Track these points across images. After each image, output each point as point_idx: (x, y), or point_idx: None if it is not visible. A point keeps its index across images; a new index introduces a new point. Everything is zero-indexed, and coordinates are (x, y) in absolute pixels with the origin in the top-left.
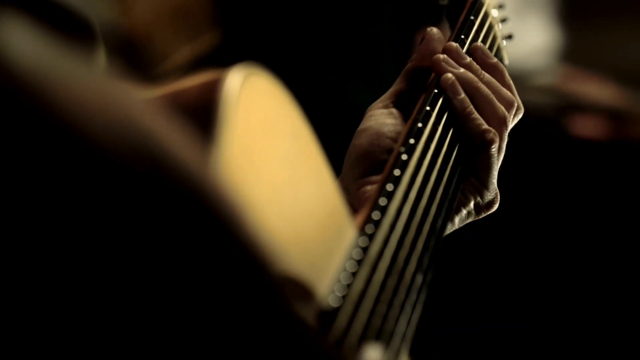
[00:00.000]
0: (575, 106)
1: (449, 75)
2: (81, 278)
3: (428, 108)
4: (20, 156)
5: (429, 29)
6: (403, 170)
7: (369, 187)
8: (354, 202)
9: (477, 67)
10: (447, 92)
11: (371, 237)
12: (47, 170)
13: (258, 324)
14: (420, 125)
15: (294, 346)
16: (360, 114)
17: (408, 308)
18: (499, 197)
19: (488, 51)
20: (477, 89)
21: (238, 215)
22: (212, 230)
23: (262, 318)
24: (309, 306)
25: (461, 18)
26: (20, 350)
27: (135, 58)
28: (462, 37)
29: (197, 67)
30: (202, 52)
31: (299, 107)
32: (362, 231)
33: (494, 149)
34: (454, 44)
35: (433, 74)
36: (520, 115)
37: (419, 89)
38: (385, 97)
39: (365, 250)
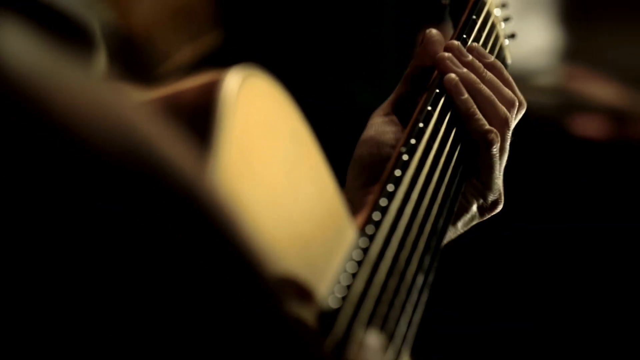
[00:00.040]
0: (577, 106)
1: (453, 75)
2: (74, 278)
3: (429, 108)
4: (15, 158)
5: (428, 30)
6: (404, 171)
7: (371, 197)
8: (357, 212)
9: (480, 65)
10: (450, 92)
11: (371, 238)
12: (40, 172)
13: (251, 328)
14: (421, 125)
15: (287, 348)
16: (361, 114)
17: (409, 309)
18: (502, 197)
19: (483, 50)
20: (479, 90)
21: (231, 218)
22: (205, 234)
23: (254, 322)
24: (309, 307)
25: (463, 18)
26: (19, 349)
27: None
28: (464, 36)
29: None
30: (203, 53)
31: (298, 108)
32: (362, 232)
33: (495, 149)
34: (456, 42)
35: (435, 75)
36: (523, 111)
37: (420, 92)
38: (386, 103)
39: (365, 251)
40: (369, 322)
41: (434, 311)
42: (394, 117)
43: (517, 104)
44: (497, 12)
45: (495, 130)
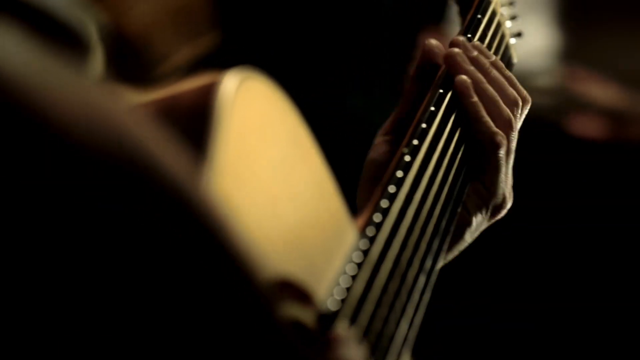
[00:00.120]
0: (575, 107)
1: (465, 77)
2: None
3: (433, 108)
4: (5, 160)
5: (426, 41)
6: (406, 172)
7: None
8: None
9: (485, 61)
10: (461, 94)
11: (372, 239)
12: (30, 173)
13: (241, 332)
14: (424, 126)
15: (277, 354)
16: (356, 119)
17: (410, 311)
18: (508, 201)
19: (485, 49)
20: (484, 90)
21: (223, 222)
22: (195, 238)
23: (244, 326)
24: (307, 310)
25: (468, 17)
26: (19, 349)
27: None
28: (469, 35)
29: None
30: (201, 54)
31: (297, 110)
32: (363, 234)
33: (502, 152)
34: (461, 38)
35: (438, 75)
36: (528, 107)
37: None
38: (388, 122)
39: (365, 253)
40: (369, 324)
41: (434, 311)
42: (391, 137)
43: (521, 101)
44: (503, 11)
45: (501, 133)
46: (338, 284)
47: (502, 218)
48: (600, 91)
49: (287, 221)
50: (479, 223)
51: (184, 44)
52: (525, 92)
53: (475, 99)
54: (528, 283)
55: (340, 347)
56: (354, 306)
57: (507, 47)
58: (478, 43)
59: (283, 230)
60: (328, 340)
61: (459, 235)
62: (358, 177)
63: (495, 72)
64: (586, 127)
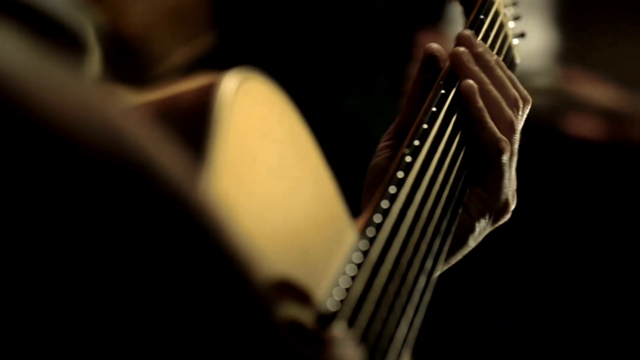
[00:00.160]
0: (573, 107)
1: (470, 82)
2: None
3: (434, 109)
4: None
5: (428, 44)
6: (407, 173)
7: (373, 199)
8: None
9: (490, 58)
10: (467, 98)
11: (372, 240)
12: (24, 172)
13: (237, 334)
14: (425, 126)
15: (273, 355)
16: (354, 119)
17: (410, 311)
18: (511, 205)
19: (487, 48)
20: (488, 92)
21: (220, 222)
22: (192, 238)
23: (241, 328)
24: (306, 310)
25: (471, 17)
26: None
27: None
28: None
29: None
30: (198, 55)
31: (297, 110)
32: (363, 234)
33: (505, 158)
34: (468, 31)
35: (441, 75)
36: (529, 107)
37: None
38: (392, 127)
39: (365, 253)
40: (369, 325)
41: (434, 310)
42: (395, 142)
43: (522, 102)
44: (506, 12)
45: (505, 138)
46: (337, 285)
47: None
48: (597, 92)
49: (286, 221)
50: (483, 228)
51: (181, 44)
52: (526, 92)
53: (481, 104)
54: (526, 283)
55: (336, 347)
56: (353, 307)
57: (510, 48)
58: (481, 43)
59: (282, 231)
60: (324, 340)
61: (462, 241)
62: (357, 178)
63: (499, 71)
64: (583, 127)
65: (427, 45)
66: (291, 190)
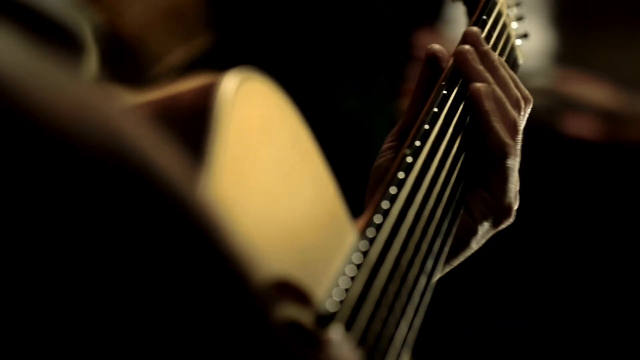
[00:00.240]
0: (569, 107)
1: (479, 85)
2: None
3: (436, 110)
4: None
5: (429, 45)
6: (407, 173)
7: (374, 199)
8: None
9: (494, 57)
10: (475, 101)
11: (372, 241)
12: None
13: (235, 334)
14: (427, 127)
15: (270, 354)
16: (352, 120)
17: (410, 312)
18: (513, 207)
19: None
20: (492, 92)
21: (217, 223)
22: (189, 239)
23: (238, 329)
24: (306, 311)
25: (474, 17)
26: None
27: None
28: None
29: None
30: (195, 55)
31: (298, 111)
32: (363, 235)
33: (511, 162)
34: (475, 28)
35: (443, 75)
36: (530, 106)
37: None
38: (395, 128)
39: (365, 254)
40: (368, 325)
41: (433, 311)
42: (398, 143)
43: (524, 102)
44: (509, 12)
45: (511, 142)
46: (337, 285)
47: None
48: (594, 92)
49: (286, 221)
50: (486, 230)
51: (179, 44)
52: (527, 92)
53: (488, 107)
54: (524, 283)
55: (333, 348)
56: (352, 307)
57: (512, 48)
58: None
59: (282, 231)
60: (321, 341)
61: (464, 243)
62: (357, 178)
63: (502, 71)
64: (580, 127)
65: (429, 46)
66: (291, 190)
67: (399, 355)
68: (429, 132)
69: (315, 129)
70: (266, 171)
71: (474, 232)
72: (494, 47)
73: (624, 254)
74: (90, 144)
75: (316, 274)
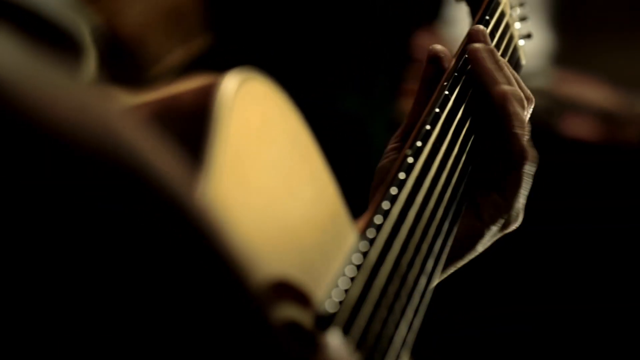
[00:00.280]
0: (568, 108)
1: (506, 87)
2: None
3: (437, 110)
4: None
5: (432, 46)
6: (408, 174)
7: (374, 200)
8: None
9: (499, 58)
10: (501, 105)
11: (372, 241)
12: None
13: (233, 335)
14: (428, 127)
15: (268, 356)
16: (351, 121)
17: (410, 313)
18: (521, 213)
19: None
20: (517, 95)
21: (214, 225)
22: (186, 241)
23: (237, 330)
24: (305, 311)
25: (477, 18)
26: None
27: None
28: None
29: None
30: (195, 55)
31: (298, 111)
32: (363, 235)
33: (529, 167)
34: (481, 27)
35: (445, 76)
36: (532, 106)
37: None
38: (398, 132)
39: (365, 255)
40: (367, 326)
41: (432, 313)
42: (401, 145)
43: (526, 101)
44: (513, 13)
45: (532, 149)
46: (336, 286)
47: None
48: (592, 93)
49: (286, 222)
50: (493, 234)
51: (178, 45)
52: (529, 92)
53: (512, 111)
54: (522, 284)
55: (331, 350)
56: (352, 308)
57: (515, 49)
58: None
59: (282, 231)
60: (319, 343)
61: (470, 246)
62: (357, 178)
63: (507, 71)
64: (578, 128)
65: (430, 46)
66: (291, 191)
67: (398, 355)
68: (430, 132)
69: (315, 129)
70: (266, 171)
71: (481, 235)
72: (497, 47)
73: (622, 255)
74: (87, 146)
75: (316, 275)
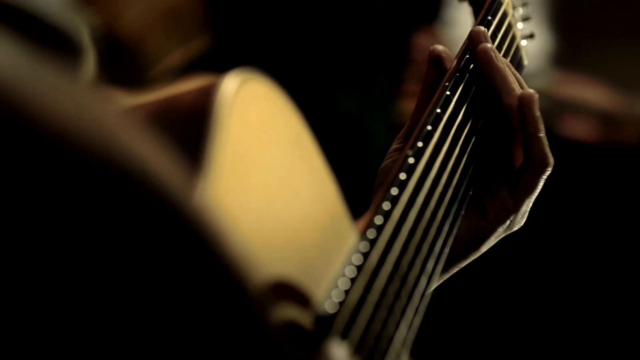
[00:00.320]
0: (567, 109)
1: (532, 91)
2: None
3: (439, 111)
4: None
5: (433, 47)
6: (410, 174)
7: (375, 200)
8: None
9: (502, 58)
10: (527, 108)
11: (373, 242)
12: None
13: (231, 337)
14: (429, 128)
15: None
16: (350, 121)
17: (410, 313)
18: (525, 217)
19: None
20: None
21: (212, 227)
22: (184, 243)
23: (235, 332)
24: (305, 312)
25: (479, 19)
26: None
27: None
28: None
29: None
30: (194, 56)
31: (298, 112)
32: (363, 236)
33: (547, 172)
34: (482, 28)
35: (446, 77)
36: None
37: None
38: (401, 133)
39: (365, 255)
40: (367, 327)
41: (432, 314)
42: (403, 145)
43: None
44: (515, 13)
45: (551, 156)
46: (336, 287)
47: None
48: (591, 94)
49: (285, 222)
50: (498, 235)
51: (177, 46)
52: (530, 90)
53: (537, 115)
54: (522, 285)
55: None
56: (352, 309)
57: (517, 49)
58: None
59: (281, 232)
60: (318, 347)
61: (475, 246)
62: (357, 179)
63: (513, 70)
64: (577, 129)
65: (432, 47)
66: (291, 191)
67: (398, 355)
68: (431, 133)
69: (315, 129)
70: (266, 172)
71: (487, 236)
72: (499, 48)
73: (622, 256)
74: (84, 148)
75: (316, 275)
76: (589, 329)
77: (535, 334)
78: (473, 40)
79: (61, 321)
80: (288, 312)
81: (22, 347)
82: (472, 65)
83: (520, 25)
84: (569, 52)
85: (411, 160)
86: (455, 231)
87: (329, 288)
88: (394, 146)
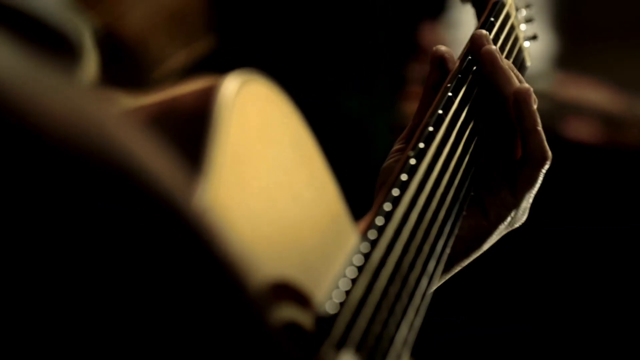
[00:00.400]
0: (570, 111)
1: (527, 86)
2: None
3: (441, 112)
4: None
5: (436, 47)
6: (411, 176)
7: (376, 201)
8: None
9: (504, 59)
10: (523, 103)
11: (374, 243)
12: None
13: (230, 338)
14: (431, 129)
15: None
16: (351, 122)
17: (411, 313)
18: (526, 213)
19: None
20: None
21: (211, 229)
22: (182, 245)
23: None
24: (306, 312)
25: (481, 20)
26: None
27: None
28: None
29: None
30: (197, 58)
31: (299, 113)
32: (364, 237)
33: (546, 167)
34: (484, 31)
35: (448, 77)
36: (536, 105)
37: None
38: (403, 133)
39: (366, 256)
40: (368, 327)
41: (432, 314)
42: (405, 146)
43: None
44: (519, 14)
45: (549, 149)
46: (337, 287)
47: None
48: (594, 95)
49: (286, 223)
50: (499, 233)
51: (180, 47)
52: (529, 86)
53: (534, 109)
54: (522, 285)
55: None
56: (353, 309)
57: (520, 50)
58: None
59: (282, 232)
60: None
61: (476, 245)
62: (357, 179)
63: (516, 71)
64: (580, 131)
65: (434, 48)
66: (292, 193)
67: (399, 356)
68: (433, 134)
69: (316, 130)
70: (266, 173)
71: (488, 234)
72: (502, 49)
73: (623, 256)
74: (82, 149)
75: (316, 276)
76: (589, 329)
77: (535, 334)
78: (475, 43)
79: (60, 322)
80: (288, 312)
81: (22, 347)
82: (474, 67)
83: (523, 26)
84: (572, 54)
85: (413, 161)
86: (456, 231)
87: (329, 289)
88: (395, 147)
